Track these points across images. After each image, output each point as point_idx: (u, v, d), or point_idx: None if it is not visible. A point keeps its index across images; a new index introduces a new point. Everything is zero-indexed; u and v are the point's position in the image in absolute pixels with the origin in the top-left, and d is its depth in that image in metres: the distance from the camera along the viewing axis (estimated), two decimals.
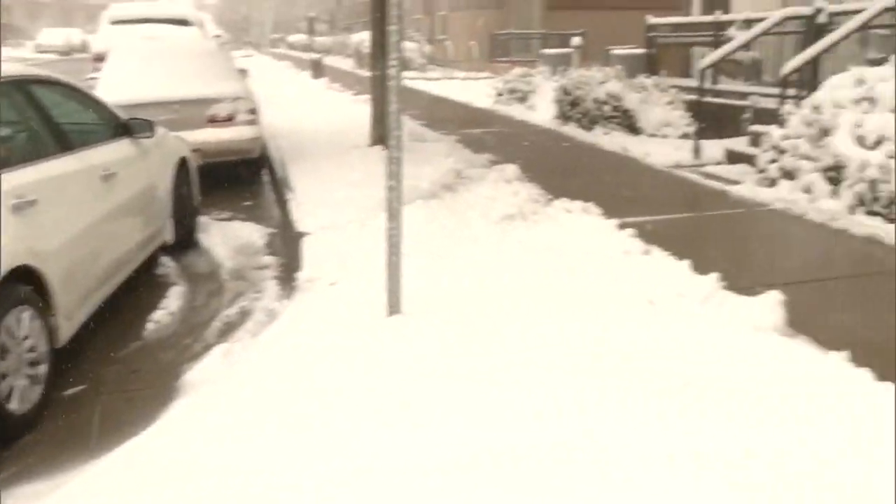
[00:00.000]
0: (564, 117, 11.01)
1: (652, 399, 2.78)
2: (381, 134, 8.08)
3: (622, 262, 4.76)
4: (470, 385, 2.95)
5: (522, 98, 13.79)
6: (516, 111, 13.28)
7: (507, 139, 10.39)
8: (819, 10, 8.28)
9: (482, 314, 3.74)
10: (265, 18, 62.40)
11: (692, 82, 9.66)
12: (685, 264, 4.53)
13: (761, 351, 3.32)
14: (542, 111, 12.43)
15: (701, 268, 4.44)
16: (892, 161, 5.43)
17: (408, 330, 3.58)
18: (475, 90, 16.65)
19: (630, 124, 10.09)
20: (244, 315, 4.70)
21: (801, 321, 3.78)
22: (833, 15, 8.17)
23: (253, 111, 8.03)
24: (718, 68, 9.93)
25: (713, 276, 4.26)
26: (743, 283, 4.28)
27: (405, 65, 5.80)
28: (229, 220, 6.89)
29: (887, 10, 7.40)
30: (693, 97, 9.23)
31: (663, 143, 9.48)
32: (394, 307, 3.75)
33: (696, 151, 8.67)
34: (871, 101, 6.03)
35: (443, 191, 6.55)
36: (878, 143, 5.67)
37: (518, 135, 10.80)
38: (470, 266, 4.58)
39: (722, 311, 3.83)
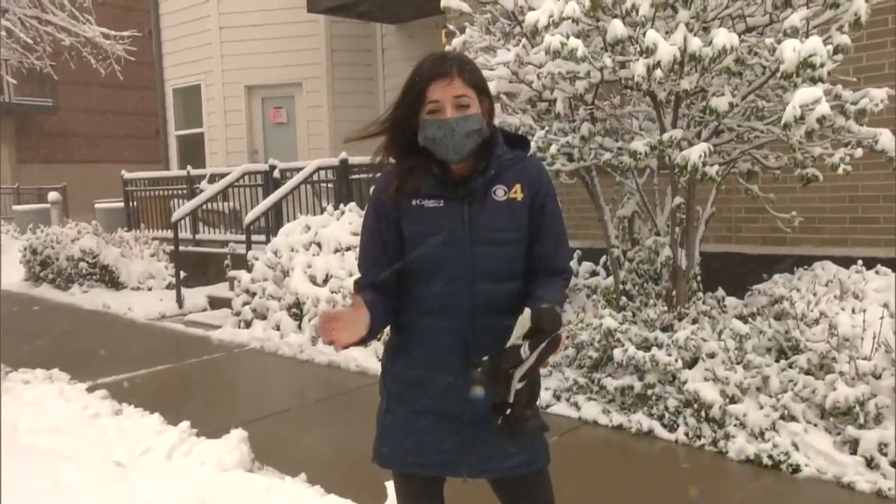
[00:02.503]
0: (36, 278, 10.19)
1: None
2: None
3: (90, 426, 4.49)
4: None
5: None
6: None
7: None
8: (273, 167, 9.35)
9: None
10: None
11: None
12: (156, 418, 4.48)
13: (222, 490, 3.44)
14: (11, 273, 11.27)
15: (173, 419, 4.44)
16: (338, 295, 6.28)
17: None
18: None
19: (111, 279, 9.77)
20: None
21: (268, 453, 4.04)
22: (284, 171, 9.28)
23: None
24: (199, 219, 10.34)
25: (184, 425, 4.28)
26: (214, 426, 4.39)
27: None
28: None
29: (321, 168, 8.73)
30: (175, 248, 9.39)
31: (148, 295, 9.38)
32: None
33: (181, 301, 8.78)
34: (318, 244, 6.95)
35: None
36: (325, 280, 6.52)
37: None
38: None
39: (189, 459, 3.87)
